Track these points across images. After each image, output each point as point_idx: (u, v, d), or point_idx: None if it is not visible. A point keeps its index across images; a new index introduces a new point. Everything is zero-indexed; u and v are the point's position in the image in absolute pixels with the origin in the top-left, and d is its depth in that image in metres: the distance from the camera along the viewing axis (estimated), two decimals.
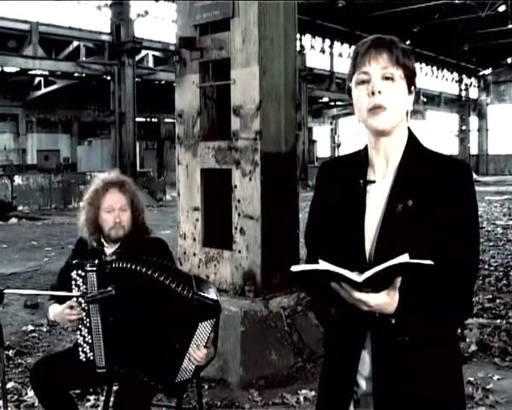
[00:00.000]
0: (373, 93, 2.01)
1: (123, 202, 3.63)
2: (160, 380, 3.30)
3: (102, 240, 3.69)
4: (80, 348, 3.39)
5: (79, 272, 3.31)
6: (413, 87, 2.08)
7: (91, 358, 3.36)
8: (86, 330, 3.35)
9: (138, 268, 3.22)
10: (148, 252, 3.46)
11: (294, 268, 1.85)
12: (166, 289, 3.16)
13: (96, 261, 3.33)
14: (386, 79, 2.02)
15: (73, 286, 3.34)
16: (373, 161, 2.12)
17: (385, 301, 1.88)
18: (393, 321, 1.92)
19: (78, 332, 3.39)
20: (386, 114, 2.02)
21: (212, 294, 3.23)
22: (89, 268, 3.28)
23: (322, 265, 1.83)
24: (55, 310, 3.52)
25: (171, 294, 3.15)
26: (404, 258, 1.78)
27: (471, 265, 2.03)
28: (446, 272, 1.93)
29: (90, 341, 3.35)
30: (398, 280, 1.86)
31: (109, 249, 3.67)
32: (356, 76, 2.06)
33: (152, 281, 3.19)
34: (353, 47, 2.14)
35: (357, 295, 1.86)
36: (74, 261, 3.39)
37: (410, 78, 2.06)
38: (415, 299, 1.91)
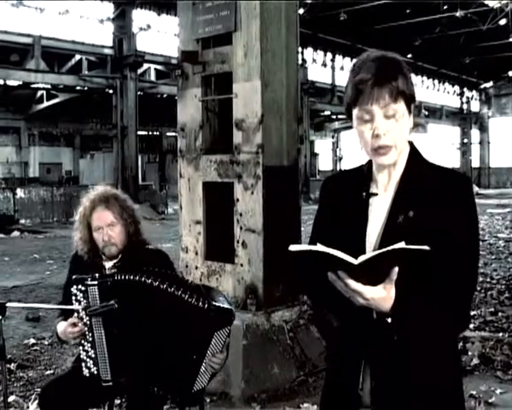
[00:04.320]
0: (377, 135, 1.99)
1: (110, 219, 3.59)
2: (177, 391, 3.26)
3: (101, 254, 3.66)
4: (84, 364, 3.32)
5: (80, 286, 3.23)
6: (412, 105, 2.05)
7: (95, 372, 3.29)
8: (89, 345, 3.28)
9: (143, 279, 3.14)
10: (150, 264, 3.34)
11: (293, 247, 1.84)
12: (178, 301, 3.08)
13: (97, 275, 3.24)
14: (388, 117, 1.99)
15: (74, 301, 3.28)
16: (376, 177, 2.13)
17: (381, 295, 1.85)
18: (390, 320, 1.91)
19: (81, 348, 3.32)
20: (392, 152, 2.02)
21: (224, 302, 3.17)
22: (90, 282, 3.20)
23: (320, 247, 1.82)
24: (60, 328, 3.47)
25: (183, 305, 3.07)
26: (401, 245, 1.77)
27: (469, 274, 2.02)
28: (445, 279, 1.93)
29: (93, 355, 3.28)
30: (395, 272, 1.83)
31: (109, 263, 3.65)
32: (357, 112, 2.02)
33: (160, 292, 3.11)
34: (353, 63, 2.08)
35: (353, 284, 1.83)
36: (74, 276, 3.31)
37: (411, 100, 2.03)
38: (411, 298, 1.89)
